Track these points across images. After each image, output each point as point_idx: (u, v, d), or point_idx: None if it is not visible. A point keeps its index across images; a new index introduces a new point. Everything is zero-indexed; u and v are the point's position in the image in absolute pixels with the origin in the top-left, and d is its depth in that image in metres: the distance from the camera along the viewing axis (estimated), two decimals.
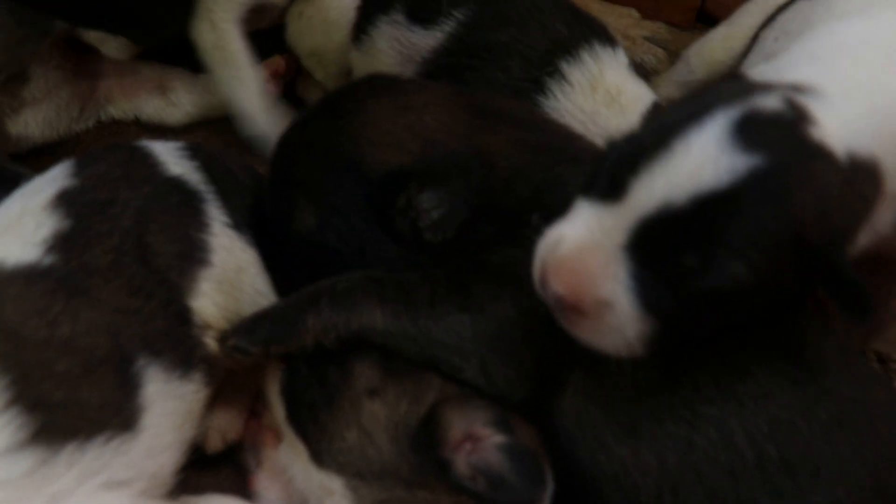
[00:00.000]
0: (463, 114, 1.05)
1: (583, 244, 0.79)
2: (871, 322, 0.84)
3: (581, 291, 0.78)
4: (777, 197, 0.74)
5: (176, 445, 0.89)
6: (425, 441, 0.85)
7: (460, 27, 1.22)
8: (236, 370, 0.98)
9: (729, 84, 0.87)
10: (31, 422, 0.78)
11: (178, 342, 0.90)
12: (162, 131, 1.35)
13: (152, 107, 1.38)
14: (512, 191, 0.97)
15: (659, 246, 0.75)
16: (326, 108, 1.08)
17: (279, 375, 0.96)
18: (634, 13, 1.47)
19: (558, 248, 0.80)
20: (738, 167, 0.73)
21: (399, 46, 1.26)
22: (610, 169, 0.79)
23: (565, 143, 1.08)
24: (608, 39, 1.24)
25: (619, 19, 1.42)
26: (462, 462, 0.83)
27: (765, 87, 0.81)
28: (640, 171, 0.76)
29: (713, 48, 1.37)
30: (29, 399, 0.79)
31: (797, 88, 0.81)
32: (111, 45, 1.28)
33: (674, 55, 1.42)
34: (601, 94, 1.19)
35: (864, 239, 0.84)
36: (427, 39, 1.24)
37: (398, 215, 0.97)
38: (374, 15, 1.30)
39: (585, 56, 1.20)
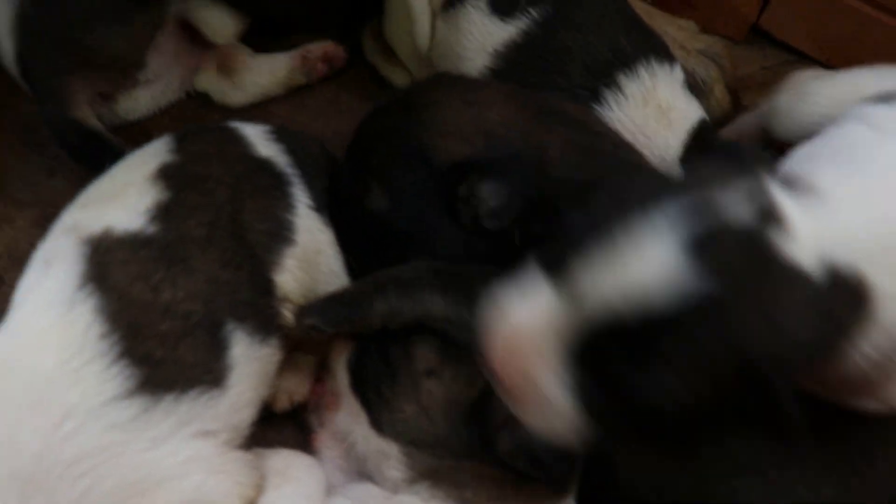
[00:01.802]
0: (524, 112, 1.11)
1: (524, 327, 0.76)
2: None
3: (514, 376, 0.78)
4: (726, 329, 0.70)
5: (254, 402, 0.97)
6: (475, 420, 0.93)
7: (534, 26, 1.25)
8: (306, 340, 1.05)
9: (703, 166, 0.82)
10: (138, 374, 0.86)
11: (260, 311, 0.97)
12: (230, 112, 1.37)
13: (213, 86, 1.38)
14: (561, 189, 1.03)
15: (598, 349, 0.72)
16: (401, 100, 1.16)
17: (346, 348, 1.03)
18: (693, 26, 1.50)
19: (503, 322, 0.78)
20: (689, 292, 0.68)
21: (476, 32, 1.28)
22: (564, 247, 0.75)
23: (614, 149, 1.15)
24: (666, 56, 1.28)
25: (678, 31, 1.46)
26: (506, 441, 0.90)
27: (742, 179, 0.74)
28: (590, 264, 0.71)
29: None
30: (136, 354, 0.87)
31: (792, 182, 0.78)
32: (215, 28, 1.30)
33: (724, 70, 1.47)
34: (652, 108, 1.23)
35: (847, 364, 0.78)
36: (502, 32, 1.26)
37: (461, 202, 1.04)
38: None
39: (642, 70, 1.24)
